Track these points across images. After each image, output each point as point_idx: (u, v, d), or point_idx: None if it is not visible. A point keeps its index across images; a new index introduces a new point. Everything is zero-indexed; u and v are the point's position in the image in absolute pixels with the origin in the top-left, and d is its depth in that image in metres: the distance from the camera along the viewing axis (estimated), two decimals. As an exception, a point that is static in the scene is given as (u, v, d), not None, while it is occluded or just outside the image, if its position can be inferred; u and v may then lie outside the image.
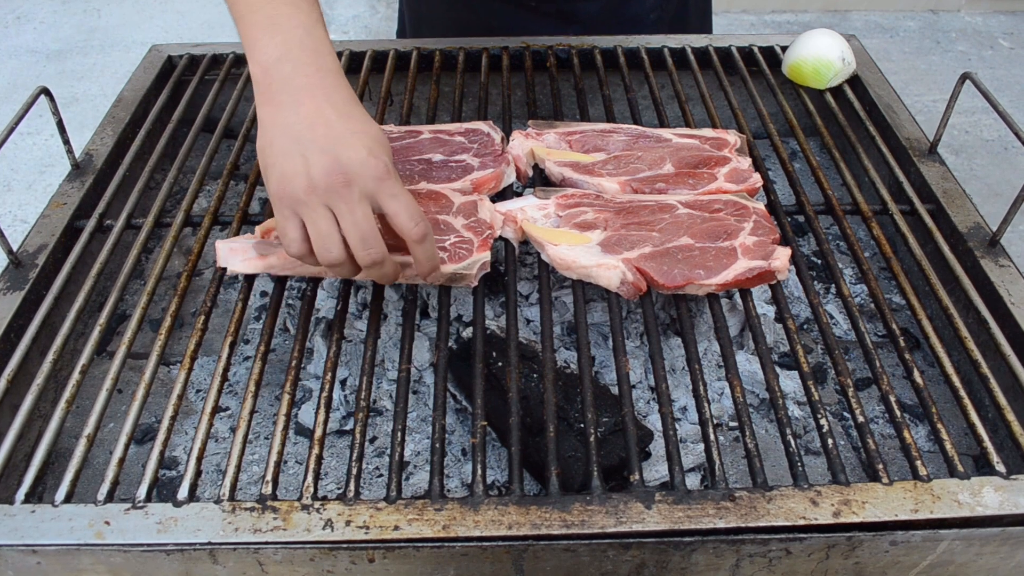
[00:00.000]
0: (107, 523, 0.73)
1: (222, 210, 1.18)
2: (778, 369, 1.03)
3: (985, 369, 0.86)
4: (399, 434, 0.78)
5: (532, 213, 0.97)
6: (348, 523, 0.72)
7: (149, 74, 1.31)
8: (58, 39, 3.74)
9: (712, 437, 0.78)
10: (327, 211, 0.76)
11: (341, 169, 0.75)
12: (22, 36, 3.76)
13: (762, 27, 3.78)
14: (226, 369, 0.85)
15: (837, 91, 1.28)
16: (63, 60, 3.60)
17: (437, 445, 0.77)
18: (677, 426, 0.98)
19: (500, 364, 0.93)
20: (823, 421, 0.80)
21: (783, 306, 0.91)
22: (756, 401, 1.02)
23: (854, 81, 1.29)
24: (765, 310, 1.10)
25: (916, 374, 0.85)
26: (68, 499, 0.75)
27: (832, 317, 1.12)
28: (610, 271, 0.89)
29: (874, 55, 1.39)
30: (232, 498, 0.75)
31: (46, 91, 1.03)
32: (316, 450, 0.78)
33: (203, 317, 0.91)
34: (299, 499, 0.74)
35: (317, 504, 0.74)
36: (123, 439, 0.79)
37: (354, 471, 0.76)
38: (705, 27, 1.53)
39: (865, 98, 1.26)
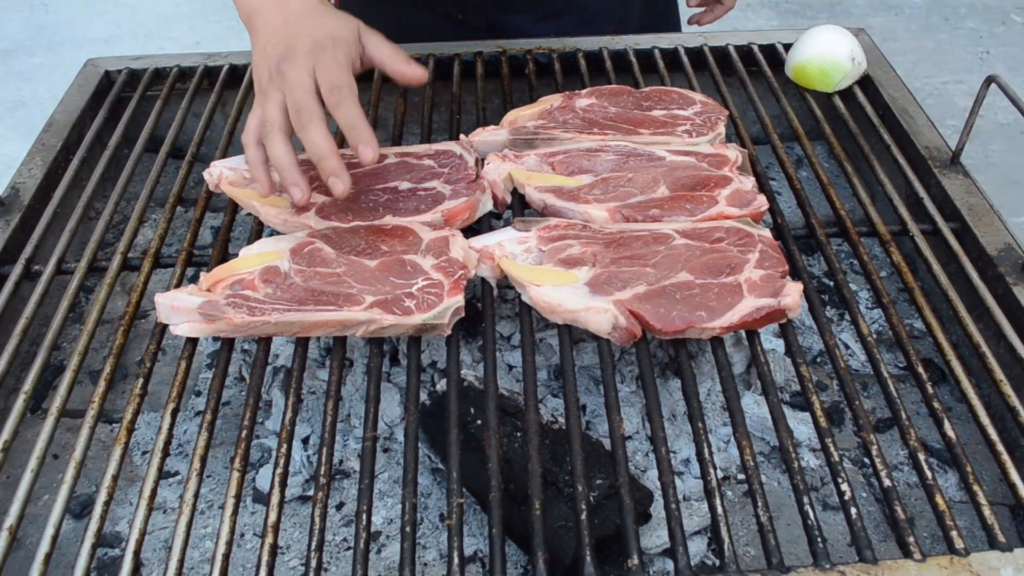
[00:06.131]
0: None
1: (169, 241, 1.12)
2: (790, 411, 0.98)
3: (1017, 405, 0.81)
4: (364, 516, 0.72)
5: (511, 248, 0.91)
6: (306, 629, 0.66)
7: (84, 93, 1.25)
8: (2, 37, 3.65)
9: (719, 510, 0.72)
10: (279, 94, 0.87)
11: (286, 55, 0.87)
12: (-37, 35, 3.68)
13: (758, 7, 3.72)
14: (167, 442, 0.79)
15: (846, 94, 1.22)
16: (9, 60, 3.51)
17: (408, 529, 0.72)
18: (680, 481, 0.93)
19: (479, 422, 0.87)
20: (844, 486, 0.74)
21: (795, 349, 0.86)
22: (767, 449, 0.97)
23: (865, 82, 1.24)
24: (773, 344, 1.04)
25: (947, 426, 0.79)
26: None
27: (848, 348, 1.07)
28: (600, 315, 0.84)
29: (879, 35, 1.34)
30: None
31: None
32: (269, 539, 0.71)
33: (145, 369, 0.85)
34: (250, 601, 0.68)
35: (270, 608, 0.68)
36: (46, 541, 0.73)
37: (313, 563, 0.70)
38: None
39: (878, 101, 1.21)
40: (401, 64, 0.96)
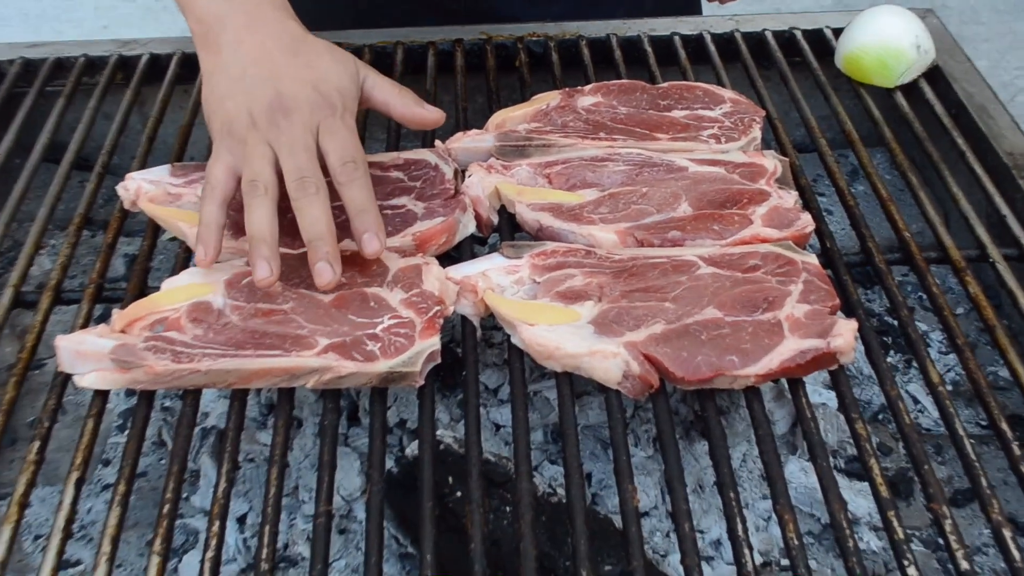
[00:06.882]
0: None
1: (73, 272, 1.14)
2: (845, 480, 1.00)
3: None
4: (316, 611, 0.74)
5: (498, 279, 0.93)
6: None
7: (-33, 89, 1.28)
8: None
9: (757, 602, 0.74)
10: (267, 147, 0.90)
11: (282, 103, 0.91)
12: None
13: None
14: (69, 522, 0.81)
15: (910, 88, 1.26)
16: None
17: (370, 626, 0.73)
18: (709, 567, 0.95)
19: (459, 495, 0.89)
20: (912, 571, 0.76)
21: (849, 402, 0.88)
22: (817, 527, 0.99)
23: (933, 74, 1.28)
24: (823, 397, 1.07)
25: (1036, 496, 0.81)
26: None
27: (916, 402, 1.09)
28: (608, 360, 0.86)
29: (956, 17, 1.38)
30: None
31: None
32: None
33: (42, 430, 0.87)
34: None
35: None
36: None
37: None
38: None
39: (950, 98, 1.25)
40: (411, 107, 1.00)
